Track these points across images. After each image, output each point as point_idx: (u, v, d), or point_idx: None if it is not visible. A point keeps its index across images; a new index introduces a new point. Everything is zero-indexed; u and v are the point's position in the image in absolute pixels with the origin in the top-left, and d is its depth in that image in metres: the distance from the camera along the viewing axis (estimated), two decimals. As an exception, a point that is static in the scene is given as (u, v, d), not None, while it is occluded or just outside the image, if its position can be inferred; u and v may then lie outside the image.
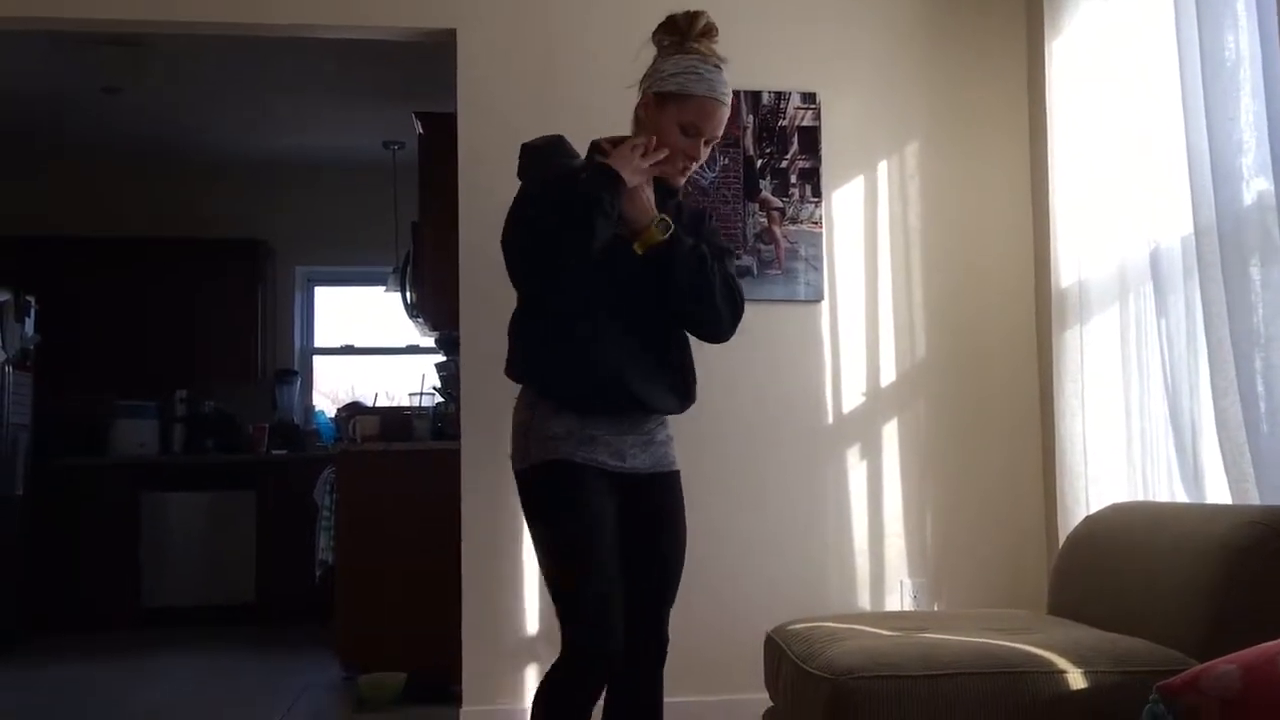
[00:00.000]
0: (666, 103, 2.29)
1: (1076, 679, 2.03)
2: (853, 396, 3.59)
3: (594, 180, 2.22)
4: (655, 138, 2.29)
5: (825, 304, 3.58)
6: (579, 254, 2.20)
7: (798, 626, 2.51)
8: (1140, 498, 2.89)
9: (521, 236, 2.25)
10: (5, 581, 6.04)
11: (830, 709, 2.05)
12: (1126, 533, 2.52)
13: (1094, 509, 2.93)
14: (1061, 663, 2.05)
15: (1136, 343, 2.92)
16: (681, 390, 2.38)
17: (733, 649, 3.28)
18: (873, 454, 3.58)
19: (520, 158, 2.44)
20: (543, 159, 2.37)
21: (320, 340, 7.84)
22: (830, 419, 3.57)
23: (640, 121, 2.37)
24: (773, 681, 2.54)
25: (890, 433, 3.59)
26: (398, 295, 6.02)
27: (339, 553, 4.87)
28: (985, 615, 2.58)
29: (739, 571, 3.47)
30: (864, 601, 3.51)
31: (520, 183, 2.39)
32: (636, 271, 2.29)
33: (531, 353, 2.32)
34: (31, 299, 6.25)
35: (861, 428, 3.58)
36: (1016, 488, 3.58)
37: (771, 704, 2.64)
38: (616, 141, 2.35)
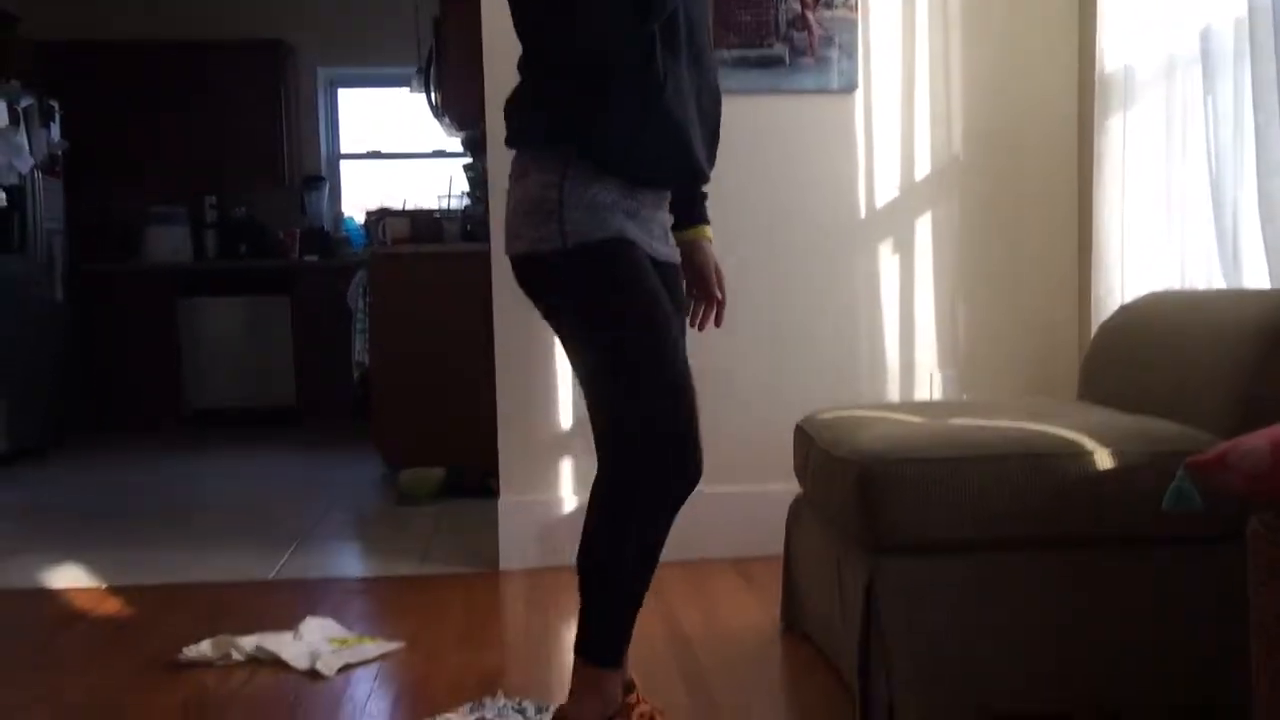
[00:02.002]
0: None
1: (1105, 459, 2.05)
2: (885, 189, 3.53)
3: None
4: None
5: (859, 94, 3.49)
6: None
7: (827, 415, 2.54)
8: (1178, 287, 2.86)
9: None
10: (53, 384, 6.20)
11: (858, 493, 2.09)
12: (1161, 319, 2.50)
13: (1130, 300, 2.91)
14: (1090, 444, 2.07)
15: (1182, 127, 2.83)
16: (711, 161, 2.05)
17: (763, 440, 3.34)
18: (905, 248, 3.55)
19: None
20: None
21: (346, 146, 7.77)
22: (863, 213, 3.52)
23: None
24: (802, 470, 2.59)
25: (924, 227, 3.55)
26: (422, 96, 5.92)
27: (374, 354, 4.95)
28: (1015, 403, 2.59)
29: (769, 364, 3.50)
30: (894, 393, 3.54)
31: None
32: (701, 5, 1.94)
33: (574, 107, 1.85)
34: (55, 104, 6.19)
35: (894, 221, 3.54)
36: (1052, 279, 3.55)
37: (801, 491, 2.70)
38: None
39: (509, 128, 1.95)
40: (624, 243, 1.86)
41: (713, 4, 1.97)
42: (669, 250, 2.03)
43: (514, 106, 1.96)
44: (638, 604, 1.91)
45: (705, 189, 2.16)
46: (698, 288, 2.18)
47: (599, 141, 1.84)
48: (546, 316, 1.96)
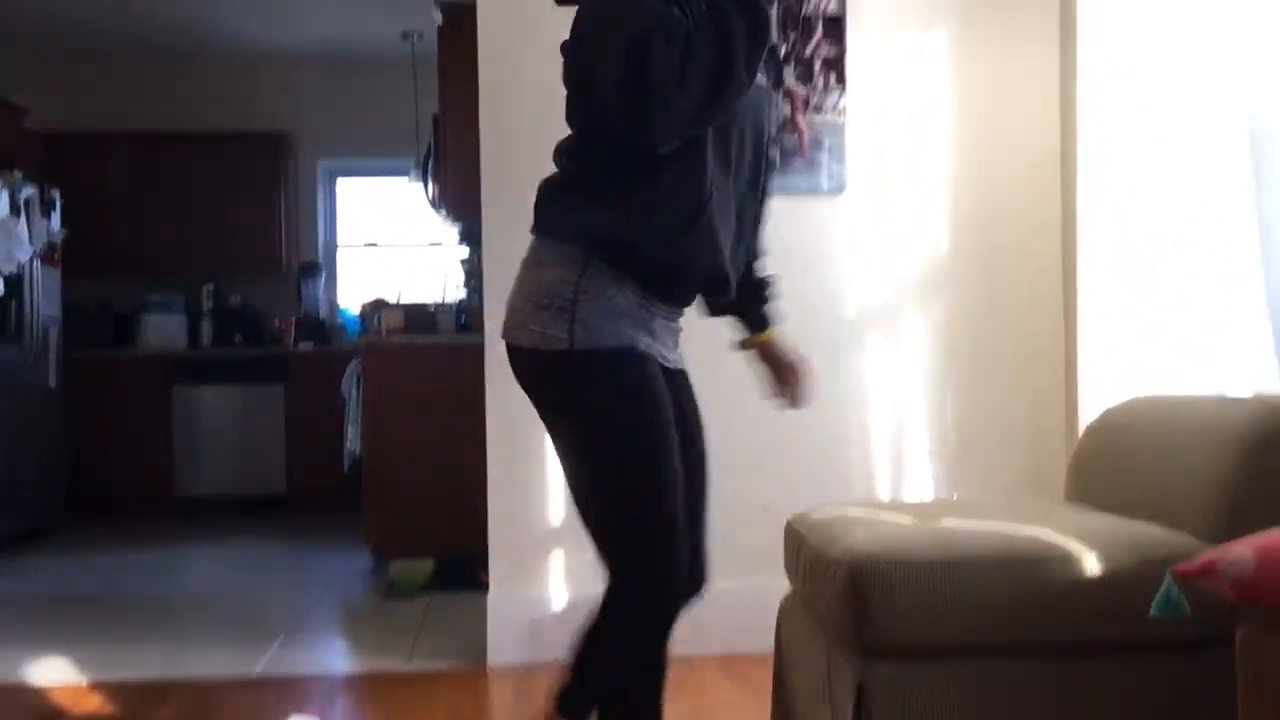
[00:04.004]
0: None
1: (1092, 564, 2.05)
2: (874, 289, 3.58)
3: None
4: None
5: (848, 195, 3.55)
6: (734, 97, 1.72)
7: (818, 514, 2.54)
8: (1161, 393, 2.89)
9: (660, 58, 1.61)
10: (45, 471, 6.18)
11: (848, 594, 2.09)
12: (1146, 423, 2.52)
13: (1115, 403, 2.93)
14: (1078, 548, 2.08)
15: (1161, 236, 2.89)
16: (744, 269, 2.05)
17: (753, 537, 3.33)
18: (894, 346, 3.58)
19: None
20: None
21: (344, 236, 7.85)
22: (852, 312, 3.57)
23: None
24: (793, 567, 2.59)
25: (912, 325, 3.59)
26: (420, 186, 6.01)
27: (366, 444, 4.95)
28: (1004, 503, 2.60)
29: (761, 458, 3.50)
30: (885, 490, 3.55)
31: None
32: (760, 123, 1.93)
33: (611, 210, 1.79)
34: (56, 193, 6.27)
35: (883, 320, 3.58)
36: (1038, 379, 3.58)
37: (791, 589, 2.69)
38: None
39: (537, 213, 1.90)
40: (633, 353, 1.82)
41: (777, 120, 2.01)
42: (678, 358, 2.01)
43: (547, 194, 1.90)
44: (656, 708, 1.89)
45: (777, 290, 2.21)
46: (780, 379, 2.22)
47: (628, 251, 1.80)
48: (541, 412, 1.91)
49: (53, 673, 3.37)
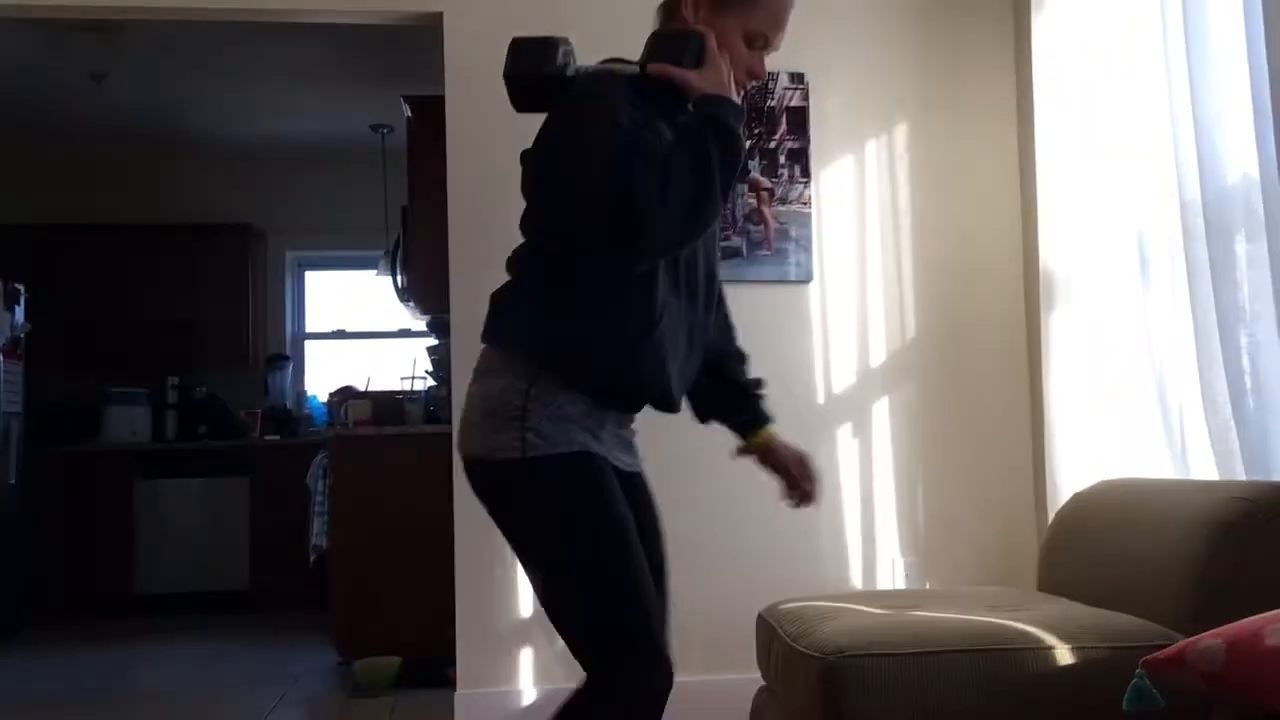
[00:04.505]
0: (728, 7, 1.86)
1: (1064, 655, 2.05)
2: (843, 376, 3.60)
3: (726, 119, 1.74)
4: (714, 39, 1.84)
5: (815, 284, 3.59)
6: (711, 219, 1.77)
7: (789, 606, 2.53)
8: (1129, 475, 2.90)
9: (640, 183, 1.63)
10: (5, 570, 6.05)
11: (821, 687, 2.07)
12: (1114, 509, 2.53)
13: (1083, 486, 2.95)
14: (1049, 639, 2.07)
15: (1124, 321, 2.93)
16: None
17: (725, 628, 3.30)
18: (864, 433, 3.59)
19: (534, 68, 1.84)
20: (611, 89, 1.78)
21: (311, 325, 7.84)
22: (821, 399, 3.58)
23: (683, 22, 1.89)
24: (765, 660, 2.56)
25: (881, 412, 3.61)
26: (388, 279, 6.02)
27: (333, 537, 4.88)
28: (976, 593, 2.60)
29: (730, 551, 3.48)
30: (856, 580, 3.53)
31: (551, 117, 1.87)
32: (713, 237, 1.97)
33: (560, 326, 1.82)
34: (20, 287, 6.23)
35: (852, 407, 3.59)
36: (1007, 465, 3.60)
37: (764, 683, 2.66)
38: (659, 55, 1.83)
39: (488, 323, 1.91)
40: (586, 455, 1.81)
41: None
42: (632, 460, 1.99)
43: (499, 305, 1.91)
44: None
45: (762, 390, 2.19)
46: (787, 480, 2.15)
47: (574, 364, 1.82)
48: (499, 523, 1.88)
49: (5, 781, 3.26)
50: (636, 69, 1.85)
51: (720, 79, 1.80)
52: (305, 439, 6.99)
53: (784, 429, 3.50)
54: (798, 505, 2.16)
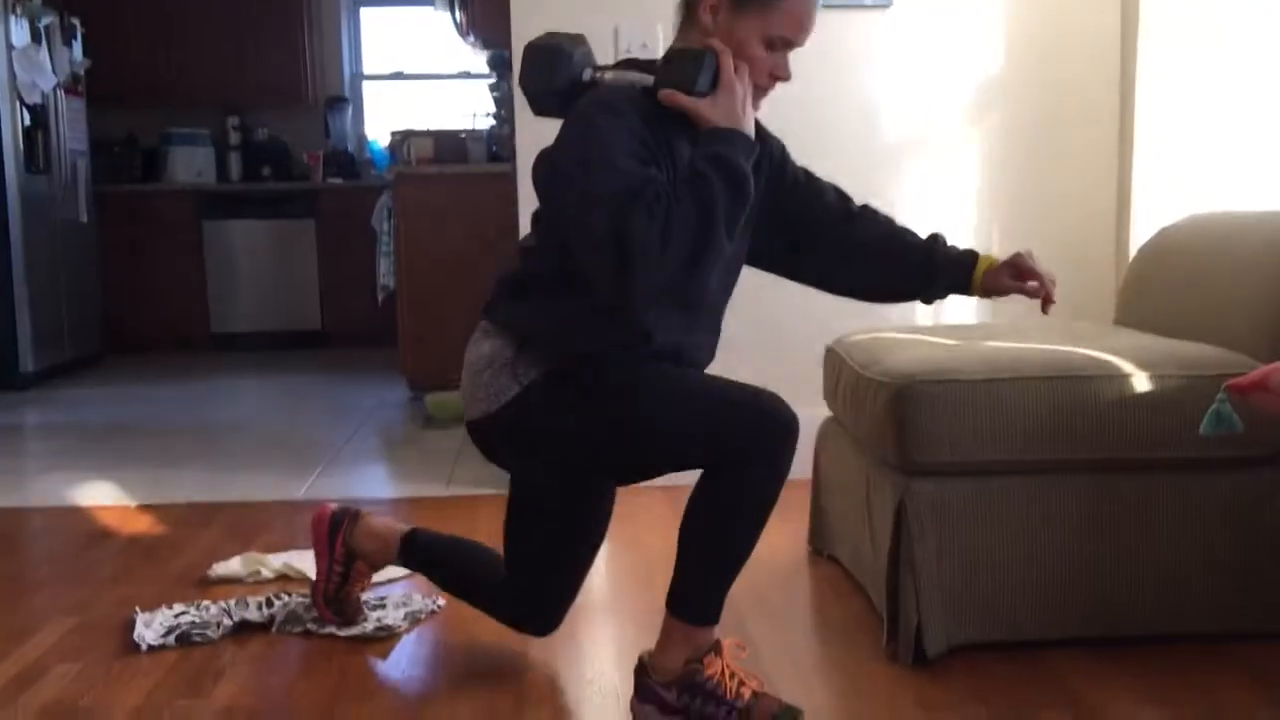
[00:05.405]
0: (747, 9, 1.75)
1: (1141, 381, 2.01)
2: (919, 108, 3.45)
3: (735, 157, 1.68)
4: (731, 55, 1.74)
5: (895, 9, 3.40)
6: (712, 265, 1.74)
7: (859, 337, 2.51)
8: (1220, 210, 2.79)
9: (640, 234, 1.59)
10: (81, 306, 6.23)
11: (889, 413, 2.07)
12: (1200, 242, 2.44)
13: (1169, 223, 2.85)
14: (1126, 366, 2.04)
15: (1226, 47, 2.75)
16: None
17: (792, 364, 3.31)
18: (940, 171, 3.48)
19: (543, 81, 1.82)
20: (623, 115, 1.71)
21: (369, 67, 7.68)
22: (894, 131, 3.45)
23: (702, 26, 1.78)
24: (832, 392, 2.57)
25: (959, 149, 3.47)
26: (447, 14, 5.83)
27: (400, 277, 4.94)
28: (1049, 326, 2.55)
29: (798, 287, 3.44)
30: (924, 319, 3.50)
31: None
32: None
33: (555, 327, 1.81)
34: (77, 21, 6.14)
35: (928, 140, 3.46)
36: (1089, 203, 3.48)
37: (830, 414, 2.68)
38: (675, 71, 1.75)
39: (492, 300, 1.90)
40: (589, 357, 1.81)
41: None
42: None
43: (504, 289, 1.90)
44: (743, 565, 1.82)
45: (943, 242, 2.02)
46: (1026, 291, 1.96)
47: (569, 361, 1.81)
48: (535, 457, 1.89)
49: (100, 496, 3.44)
50: (651, 81, 1.77)
51: (733, 107, 1.71)
52: (368, 182, 6.98)
53: (852, 160, 3.42)
54: (1044, 309, 1.97)
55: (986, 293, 1.99)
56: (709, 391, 1.77)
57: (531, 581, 2.07)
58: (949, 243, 2.04)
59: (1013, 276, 1.96)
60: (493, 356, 1.84)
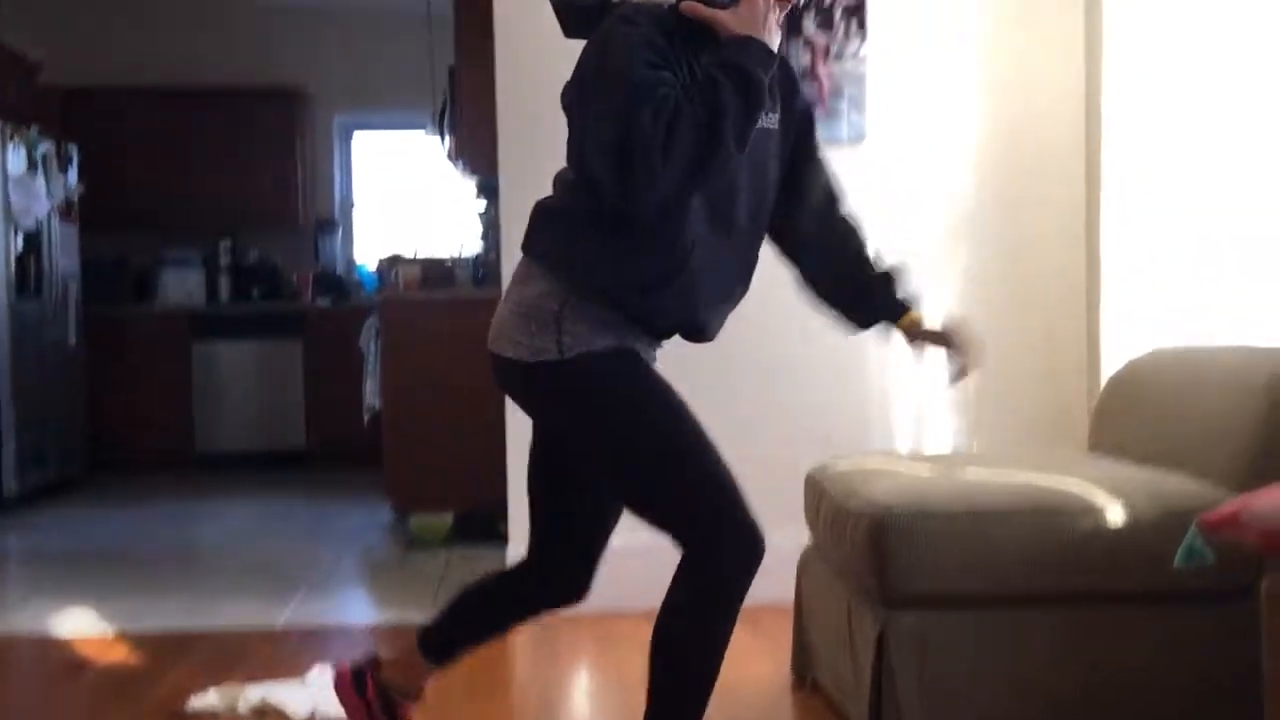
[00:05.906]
0: None
1: (1115, 515, 2.04)
2: (895, 239, 3.53)
3: (750, 66, 1.69)
4: None
5: (868, 145, 3.51)
6: (719, 172, 1.73)
7: (839, 465, 2.54)
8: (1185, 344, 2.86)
9: (644, 135, 1.62)
10: (67, 427, 6.22)
11: (869, 545, 2.09)
12: (1169, 373, 2.50)
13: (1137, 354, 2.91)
14: (1100, 499, 2.07)
15: (1189, 185, 2.85)
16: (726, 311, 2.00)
17: (772, 487, 3.30)
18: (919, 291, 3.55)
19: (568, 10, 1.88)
20: (639, 29, 1.73)
21: (360, 190, 7.83)
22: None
23: None
24: (813, 519, 2.59)
25: (933, 275, 3.54)
26: (437, 139, 5.98)
27: (385, 398, 4.96)
28: (1026, 454, 2.60)
29: (781, 413, 3.49)
30: (904, 440, 3.53)
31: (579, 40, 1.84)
32: (763, 168, 1.88)
33: (598, 249, 1.81)
34: (74, 148, 6.26)
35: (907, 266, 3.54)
36: (1059, 332, 3.55)
37: (811, 540, 2.69)
38: None
39: (529, 234, 1.91)
40: (623, 349, 1.83)
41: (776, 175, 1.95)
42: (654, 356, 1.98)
43: (540, 220, 1.90)
44: (714, 680, 1.83)
45: (896, 278, 2.09)
46: (948, 356, 2.07)
47: (611, 288, 1.82)
48: (543, 418, 1.95)
49: (78, 624, 3.40)
50: None
51: (754, 17, 1.73)
52: (356, 303, 7.06)
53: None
54: (954, 379, 2.07)
55: (912, 340, 2.07)
56: (714, 470, 1.80)
57: (562, 541, 2.01)
58: (899, 281, 2.08)
59: (939, 340, 2.05)
60: (538, 305, 1.82)
